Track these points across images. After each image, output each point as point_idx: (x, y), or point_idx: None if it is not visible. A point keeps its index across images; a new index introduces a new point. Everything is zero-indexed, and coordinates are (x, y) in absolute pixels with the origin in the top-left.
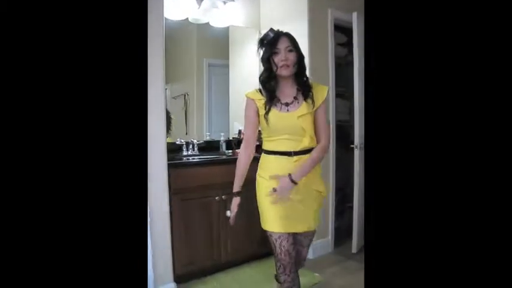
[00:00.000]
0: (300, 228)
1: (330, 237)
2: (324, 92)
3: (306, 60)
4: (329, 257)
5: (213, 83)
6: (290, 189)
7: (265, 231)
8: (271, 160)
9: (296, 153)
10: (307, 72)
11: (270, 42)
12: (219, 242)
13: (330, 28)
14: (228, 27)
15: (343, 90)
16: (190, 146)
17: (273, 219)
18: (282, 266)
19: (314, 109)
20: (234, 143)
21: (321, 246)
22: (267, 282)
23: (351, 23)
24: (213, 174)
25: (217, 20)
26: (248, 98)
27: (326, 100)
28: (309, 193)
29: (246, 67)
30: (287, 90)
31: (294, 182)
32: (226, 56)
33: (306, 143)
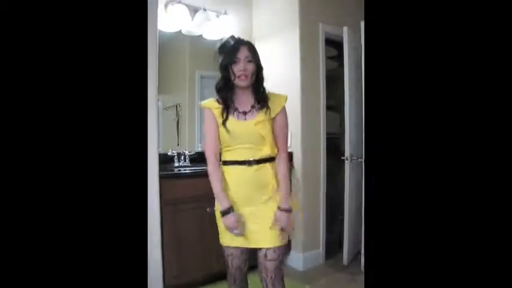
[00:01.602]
0: (260, 244)
1: (320, 249)
2: (281, 100)
3: (297, 74)
4: (320, 268)
5: (205, 95)
6: (290, 218)
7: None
8: (230, 171)
9: (256, 161)
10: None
11: (230, 51)
12: (210, 253)
13: (320, 42)
14: (221, 40)
15: (333, 103)
16: (182, 157)
17: (227, 233)
18: (232, 278)
19: (271, 117)
20: None
21: (311, 257)
22: None
23: (342, 37)
24: (204, 186)
25: (210, 33)
26: (204, 108)
27: (284, 109)
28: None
29: None
30: (244, 100)
31: (287, 210)
32: (218, 68)
33: (266, 151)
